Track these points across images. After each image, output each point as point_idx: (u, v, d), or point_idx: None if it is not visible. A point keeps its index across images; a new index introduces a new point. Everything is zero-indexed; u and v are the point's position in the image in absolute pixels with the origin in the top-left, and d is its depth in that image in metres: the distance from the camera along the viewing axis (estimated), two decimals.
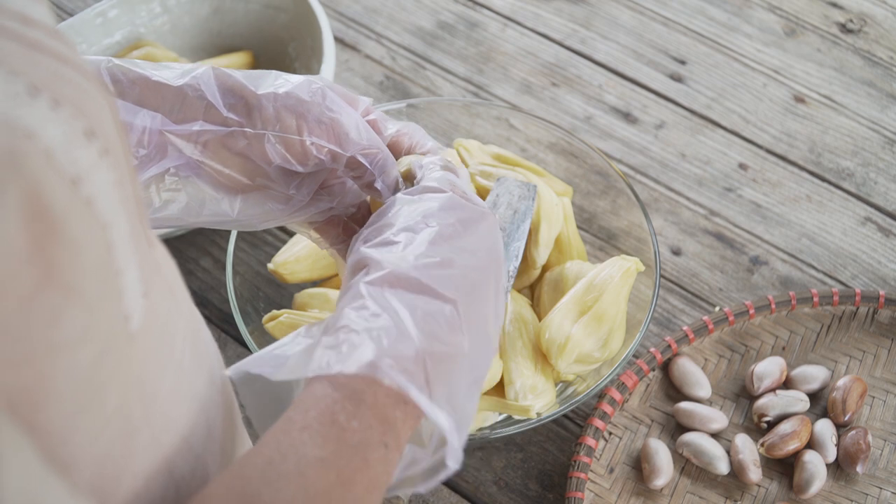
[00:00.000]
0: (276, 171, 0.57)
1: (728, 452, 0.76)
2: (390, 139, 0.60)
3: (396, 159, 0.59)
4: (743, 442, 0.76)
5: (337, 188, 0.61)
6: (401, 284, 0.46)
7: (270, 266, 0.79)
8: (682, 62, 1.02)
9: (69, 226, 0.29)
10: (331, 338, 0.45)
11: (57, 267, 0.29)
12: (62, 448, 0.31)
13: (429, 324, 0.45)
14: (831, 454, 0.76)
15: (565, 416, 0.80)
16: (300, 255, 0.79)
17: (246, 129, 0.55)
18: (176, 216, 0.57)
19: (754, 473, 0.75)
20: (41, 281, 0.28)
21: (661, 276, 0.87)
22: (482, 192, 0.80)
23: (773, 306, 0.82)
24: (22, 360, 0.28)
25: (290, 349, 0.47)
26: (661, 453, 0.76)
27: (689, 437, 0.77)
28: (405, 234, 0.49)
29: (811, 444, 0.77)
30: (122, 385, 0.34)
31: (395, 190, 0.58)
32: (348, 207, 0.62)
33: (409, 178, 0.58)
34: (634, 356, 0.80)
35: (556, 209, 0.79)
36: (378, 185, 0.58)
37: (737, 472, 0.75)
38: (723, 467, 0.75)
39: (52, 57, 0.30)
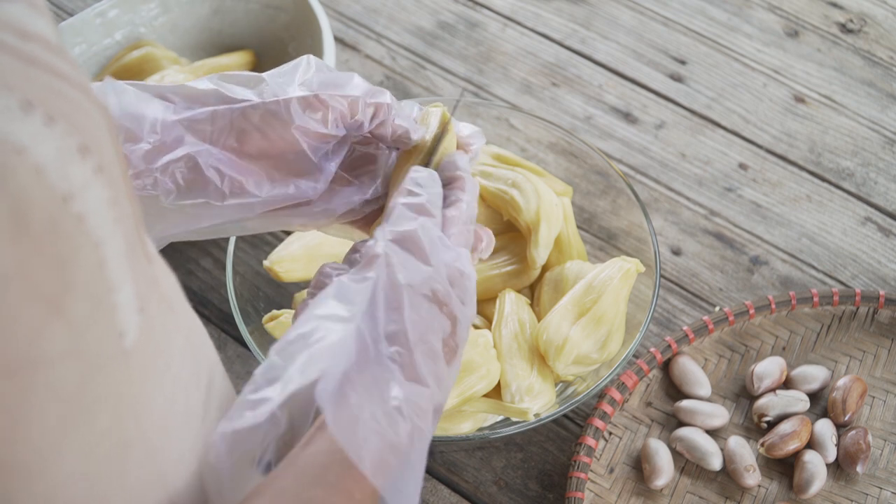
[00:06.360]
0: (297, 152, 0.55)
1: (723, 450, 0.76)
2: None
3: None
4: (734, 446, 0.76)
5: (363, 167, 0.59)
6: None
7: (266, 263, 0.78)
8: (682, 62, 1.02)
9: (57, 243, 0.29)
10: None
11: (42, 283, 0.29)
12: (44, 469, 0.31)
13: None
14: (831, 454, 0.76)
15: (565, 416, 0.80)
16: (296, 253, 0.79)
17: (255, 101, 0.54)
18: (201, 204, 0.55)
19: (750, 478, 0.75)
20: (24, 297, 0.28)
21: (661, 276, 0.87)
22: (483, 193, 0.80)
23: (773, 306, 0.82)
24: (1, 373, 0.28)
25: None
26: (661, 453, 0.76)
27: (682, 431, 0.77)
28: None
29: (811, 444, 0.77)
30: (116, 401, 0.34)
31: (404, 139, 0.57)
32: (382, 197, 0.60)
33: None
34: (634, 356, 0.80)
35: (556, 209, 0.79)
36: (387, 130, 0.56)
37: (732, 477, 0.75)
38: (716, 463, 0.75)
39: (49, 72, 0.30)
